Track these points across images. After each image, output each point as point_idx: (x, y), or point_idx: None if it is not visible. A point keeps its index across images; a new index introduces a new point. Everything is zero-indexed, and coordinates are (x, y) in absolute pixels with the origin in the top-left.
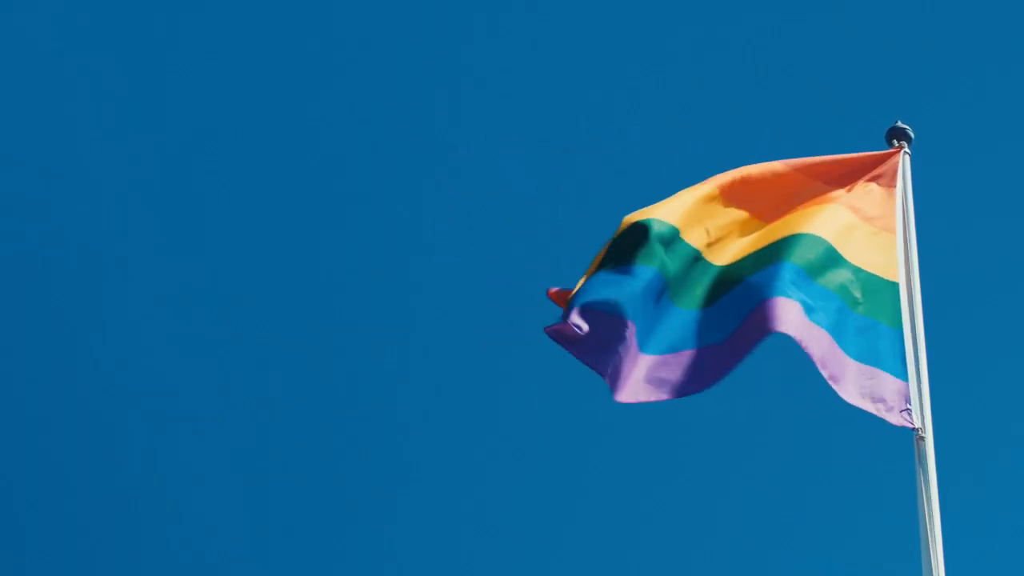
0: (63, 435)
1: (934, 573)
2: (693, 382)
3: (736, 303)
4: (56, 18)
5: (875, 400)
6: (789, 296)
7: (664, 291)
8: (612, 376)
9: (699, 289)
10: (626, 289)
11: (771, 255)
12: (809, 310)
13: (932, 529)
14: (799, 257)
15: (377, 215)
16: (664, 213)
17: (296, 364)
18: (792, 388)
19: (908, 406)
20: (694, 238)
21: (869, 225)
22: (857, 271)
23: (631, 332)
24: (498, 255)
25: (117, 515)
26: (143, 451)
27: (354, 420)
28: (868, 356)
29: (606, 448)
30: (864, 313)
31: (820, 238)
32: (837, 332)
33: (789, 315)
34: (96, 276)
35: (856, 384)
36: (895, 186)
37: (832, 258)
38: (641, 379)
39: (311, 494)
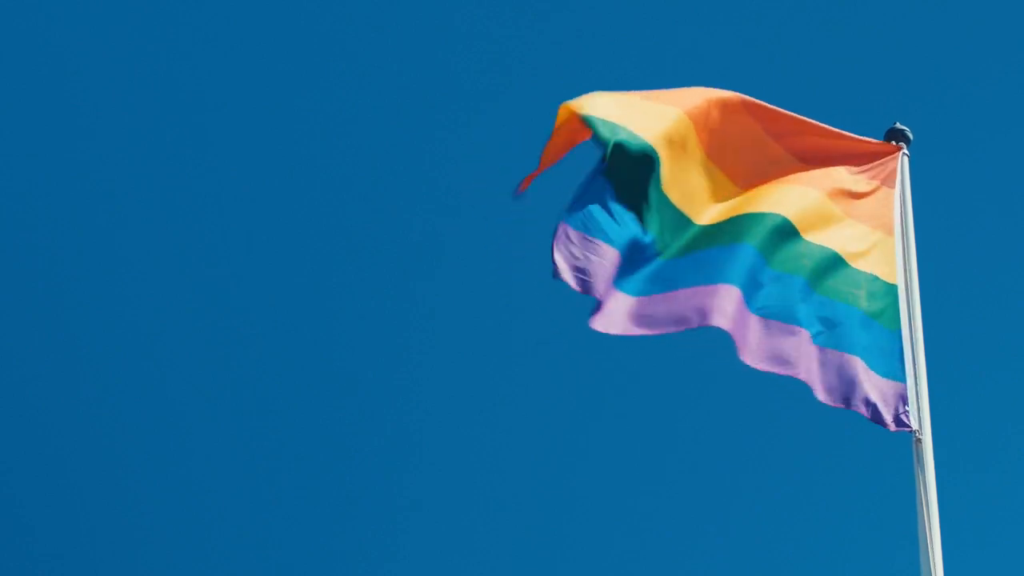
0: (64, 434)
1: (932, 574)
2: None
3: (710, 268)
4: (56, 18)
5: (867, 404)
6: (797, 323)
7: (651, 250)
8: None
9: (677, 243)
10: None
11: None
12: (818, 324)
13: (930, 530)
14: (807, 268)
15: (377, 215)
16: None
17: (296, 363)
18: (790, 388)
19: (906, 408)
20: (675, 194)
21: (865, 225)
22: (858, 272)
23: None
24: (497, 255)
25: (119, 514)
26: (143, 450)
27: (354, 420)
28: (868, 357)
29: (604, 448)
30: (867, 314)
31: (827, 247)
32: (846, 338)
33: (784, 345)
34: (96, 276)
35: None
36: (894, 187)
37: (834, 262)
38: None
39: (310, 494)
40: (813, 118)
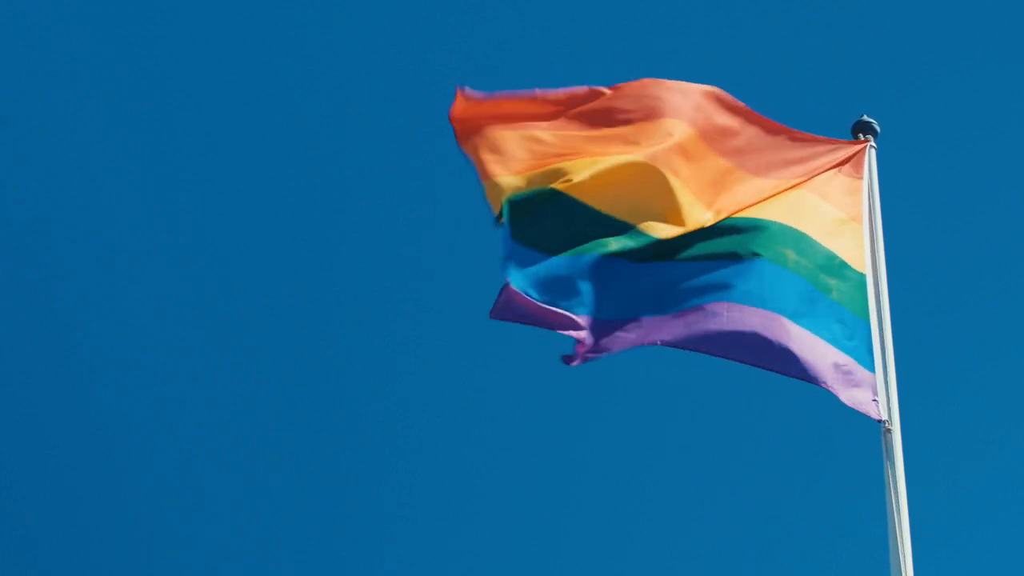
0: (64, 434)
1: (902, 565)
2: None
3: (701, 281)
4: (55, 17)
5: (851, 387)
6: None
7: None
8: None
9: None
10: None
11: (741, 243)
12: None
13: (900, 521)
14: (770, 251)
15: (377, 215)
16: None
17: (295, 363)
18: (757, 380)
19: (875, 398)
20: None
21: (840, 212)
22: (831, 257)
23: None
24: (497, 255)
25: (119, 514)
26: (143, 450)
27: (352, 420)
28: (841, 343)
29: (592, 445)
30: (836, 300)
31: (794, 228)
32: (815, 322)
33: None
34: (96, 276)
35: (831, 371)
36: (861, 177)
37: (807, 244)
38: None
39: (309, 494)
40: (779, 110)
